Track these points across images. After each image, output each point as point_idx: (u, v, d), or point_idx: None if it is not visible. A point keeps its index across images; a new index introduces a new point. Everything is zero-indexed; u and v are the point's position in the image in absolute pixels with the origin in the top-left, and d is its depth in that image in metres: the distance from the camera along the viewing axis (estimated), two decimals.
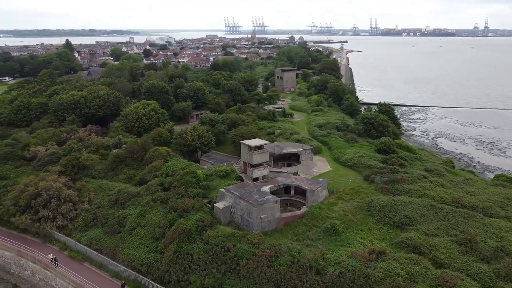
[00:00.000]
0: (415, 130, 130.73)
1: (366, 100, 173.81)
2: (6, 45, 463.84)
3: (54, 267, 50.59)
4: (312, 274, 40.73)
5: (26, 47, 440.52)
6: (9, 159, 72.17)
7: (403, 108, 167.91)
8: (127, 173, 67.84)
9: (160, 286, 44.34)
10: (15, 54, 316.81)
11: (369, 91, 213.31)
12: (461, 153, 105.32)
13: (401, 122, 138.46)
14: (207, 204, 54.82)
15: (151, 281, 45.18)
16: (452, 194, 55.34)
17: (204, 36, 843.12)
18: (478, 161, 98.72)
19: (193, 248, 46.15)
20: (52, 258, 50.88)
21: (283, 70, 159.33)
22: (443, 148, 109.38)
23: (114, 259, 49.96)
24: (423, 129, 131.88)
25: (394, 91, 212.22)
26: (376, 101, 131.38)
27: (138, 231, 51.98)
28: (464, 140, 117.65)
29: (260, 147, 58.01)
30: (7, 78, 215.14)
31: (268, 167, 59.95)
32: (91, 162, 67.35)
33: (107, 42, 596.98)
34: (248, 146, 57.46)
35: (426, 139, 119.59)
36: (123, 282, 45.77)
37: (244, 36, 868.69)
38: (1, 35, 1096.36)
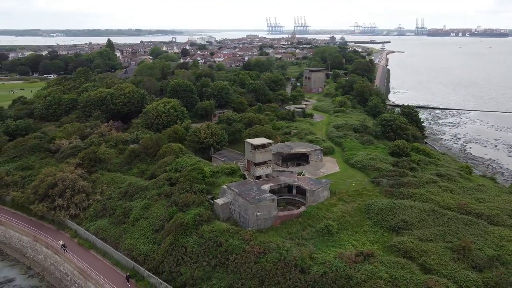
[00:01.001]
0: (444, 133, 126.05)
1: (398, 102, 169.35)
2: (57, 44, 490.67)
3: (63, 253, 53.87)
4: (297, 272, 41.05)
5: (75, 46, 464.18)
6: (36, 150, 77.20)
7: (436, 111, 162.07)
8: (141, 167, 70.70)
9: (154, 276, 46.18)
10: (63, 52, 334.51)
11: (403, 93, 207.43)
12: (490, 159, 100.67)
13: (432, 126, 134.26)
14: (210, 200, 56.25)
15: (146, 271, 47.17)
16: (459, 200, 53.56)
17: (245, 36, 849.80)
18: (507, 168, 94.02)
19: (188, 241, 47.73)
20: (62, 245, 54.19)
21: (311, 71, 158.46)
22: (470, 154, 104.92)
23: (116, 248, 52.49)
24: (454, 133, 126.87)
25: (431, 93, 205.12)
26: (409, 103, 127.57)
27: (141, 223, 54.31)
28: (496, 146, 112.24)
29: (263, 146, 58.73)
30: (51, 75, 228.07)
31: (272, 165, 60.56)
32: (107, 156, 70.75)
33: (150, 41, 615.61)
34: (251, 144, 58.34)
35: (455, 143, 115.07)
36: (128, 274, 47.55)
37: (285, 36, 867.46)
38: (55, 34, 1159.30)
